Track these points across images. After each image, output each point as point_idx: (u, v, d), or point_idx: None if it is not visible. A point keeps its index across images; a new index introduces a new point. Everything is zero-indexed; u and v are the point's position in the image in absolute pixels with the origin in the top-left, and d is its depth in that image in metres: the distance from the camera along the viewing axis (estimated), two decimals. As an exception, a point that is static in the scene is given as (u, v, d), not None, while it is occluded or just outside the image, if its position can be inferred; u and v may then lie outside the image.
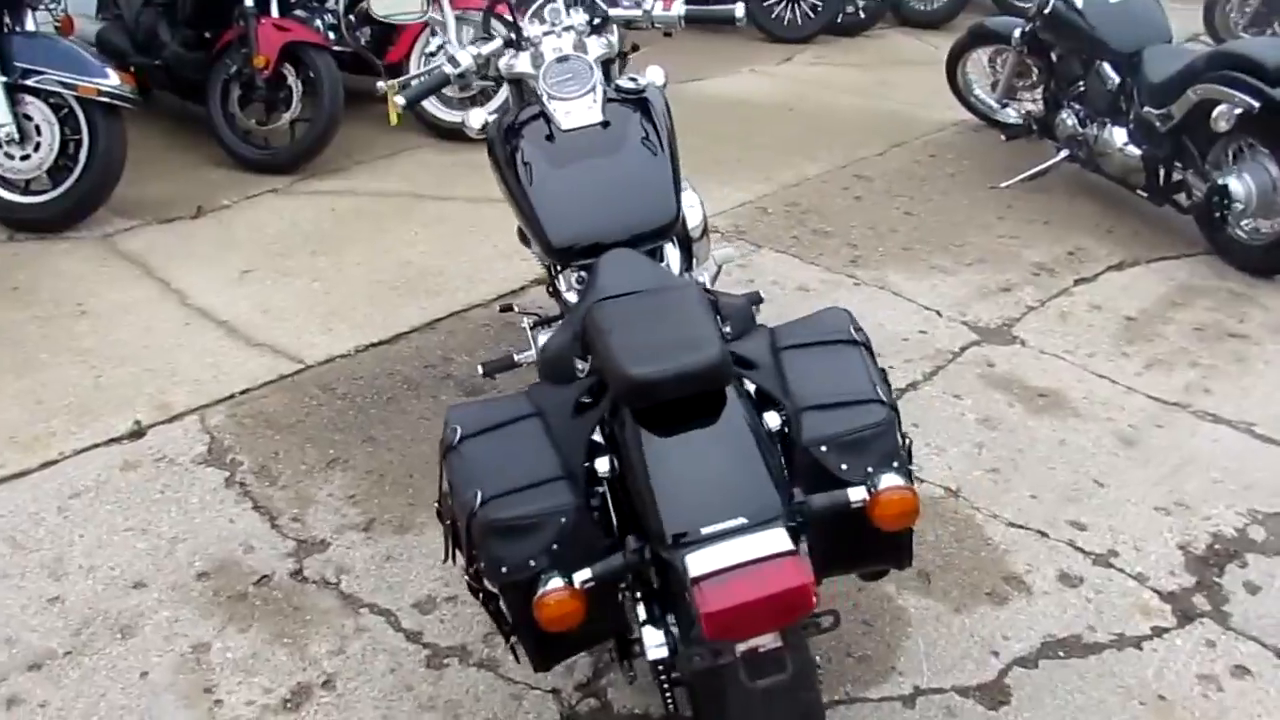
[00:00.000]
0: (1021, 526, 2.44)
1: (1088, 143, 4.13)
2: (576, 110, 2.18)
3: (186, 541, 2.30)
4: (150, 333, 3.13)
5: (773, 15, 6.72)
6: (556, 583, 1.40)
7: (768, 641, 1.32)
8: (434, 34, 4.66)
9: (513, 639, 1.55)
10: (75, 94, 3.54)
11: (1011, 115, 4.69)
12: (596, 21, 2.27)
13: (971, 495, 2.53)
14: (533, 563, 1.44)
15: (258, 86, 4.18)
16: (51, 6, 3.86)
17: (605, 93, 2.23)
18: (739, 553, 1.26)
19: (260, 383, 2.90)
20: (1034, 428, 2.81)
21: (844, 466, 1.52)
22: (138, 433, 2.67)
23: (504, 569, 1.45)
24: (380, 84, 2.26)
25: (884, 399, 1.58)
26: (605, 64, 2.46)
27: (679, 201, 2.13)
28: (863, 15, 6.91)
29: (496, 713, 1.91)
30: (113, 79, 3.55)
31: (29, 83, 3.55)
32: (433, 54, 4.70)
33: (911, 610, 2.18)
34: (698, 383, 1.46)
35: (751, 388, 1.64)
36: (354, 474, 2.53)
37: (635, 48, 2.53)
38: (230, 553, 2.28)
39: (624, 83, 2.28)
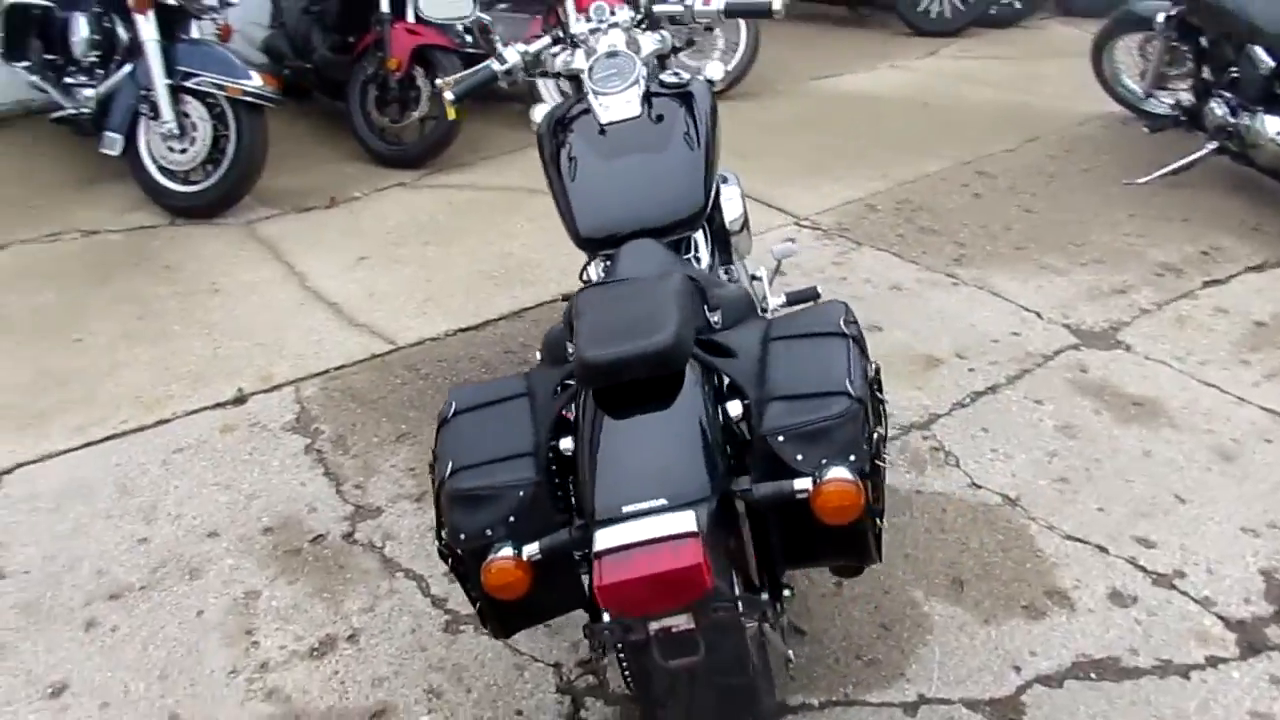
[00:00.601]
0: (1079, 540, 2.31)
1: (1238, 133, 3.81)
2: (615, 105, 2.24)
3: (261, 499, 2.52)
4: (268, 310, 3.42)
5: (919, 8, 6.51)
6: (505, 552, 1.47)
7: (680, 622, 1.34)
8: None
9: (478, 605, 1.63)
10: (225, 94, 3.90)
11: (1159, 105, 4.37)
12: (639, 17, 2.32)
13: (1030, 504, 2.41)
14: (489, 532, 1.51)
15: (391, 87, 4.45)
16: (215, 17, 4.25)
17: (648, 88, 2.27)
18: (640, 531, 1.29)
19: (354, 360, 3.11)
20: (1118, 437, 2.64)
21: (799, 457, 1.50)
22: (240, 399, 2.93)
23: (463, 536, 1.53)
24: (438, 81, 2.40)
25: (851, 392, 1.55)
26: (661, 59, 2.52)
27: (708, 194, 2.15)
28: (1018, 5, 6.58)
29: (498, 679, 1.99)
30: (255, 80, 3.89)
31: (188, 84, 3.94)
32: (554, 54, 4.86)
33: (936, 617, 2.11)
34: (647, 366, 1.49)
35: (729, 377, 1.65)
36: (419, 449, 2.68)
37: (691, 43, 2.56)
38: (295, 512, 2.47)
39: (668, 77, 2.32)
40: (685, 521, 1.29)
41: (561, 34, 2.37)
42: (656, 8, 2.37)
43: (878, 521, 1.60)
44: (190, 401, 2.92)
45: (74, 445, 2.73)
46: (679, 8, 2.36)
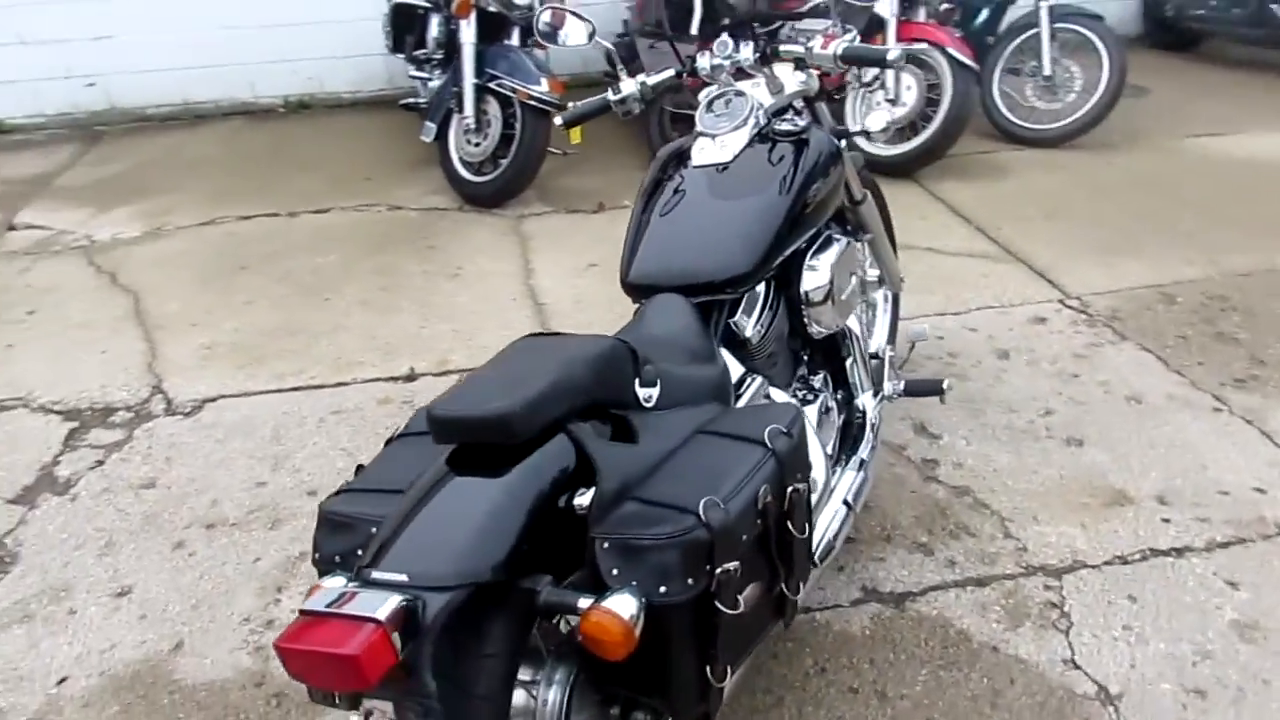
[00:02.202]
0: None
1: None
2: (710, 148, 2.11)
3: (367, 472, 2.72)
4: (484, 300, 3.64)
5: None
6: (330, 580, 1.45)
7: (381, 707, 1.24)
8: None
9: None
10: (516, 97, 4.21)
11: None
12: (756, 57, 2.13)
13: (1132, 711, 1.88)
14: (337, 559, 1.50)
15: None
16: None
17: (765, 131, 2.10)
18: (327, 602, 1.20)
19: (523, 361, 3.22)
20: (1321, 660, 1.96)
21: (614, 571, 1.31)
22: (410, 377, 3.17)
23: (317, 556, 1.54)
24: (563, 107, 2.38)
25: (701, 514, 1.32)
26: (809, 101, 2.30)
27: (762, 259, 1.93)
28: None
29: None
30: (543, 86, 4.15)
31: (490, 85, 4.31)
32: (867, 84, 4.61)
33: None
34: (482, 431, 1.38)
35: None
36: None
37: (841, 87, 2.30)
38: (384, 492, 2.63)
39: (783, 124, 2.12)
40: (375, 605, 1.18)
41: (683, 68, 2.26)
42: (782, 48, 2.17)
43: (711, 673, 1.36)
44: (372, 371, 3.21)
45: (267, 389, 3.13)
46: (800, 49, 2.14)
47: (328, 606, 1.21)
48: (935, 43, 4.55)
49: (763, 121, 2.14)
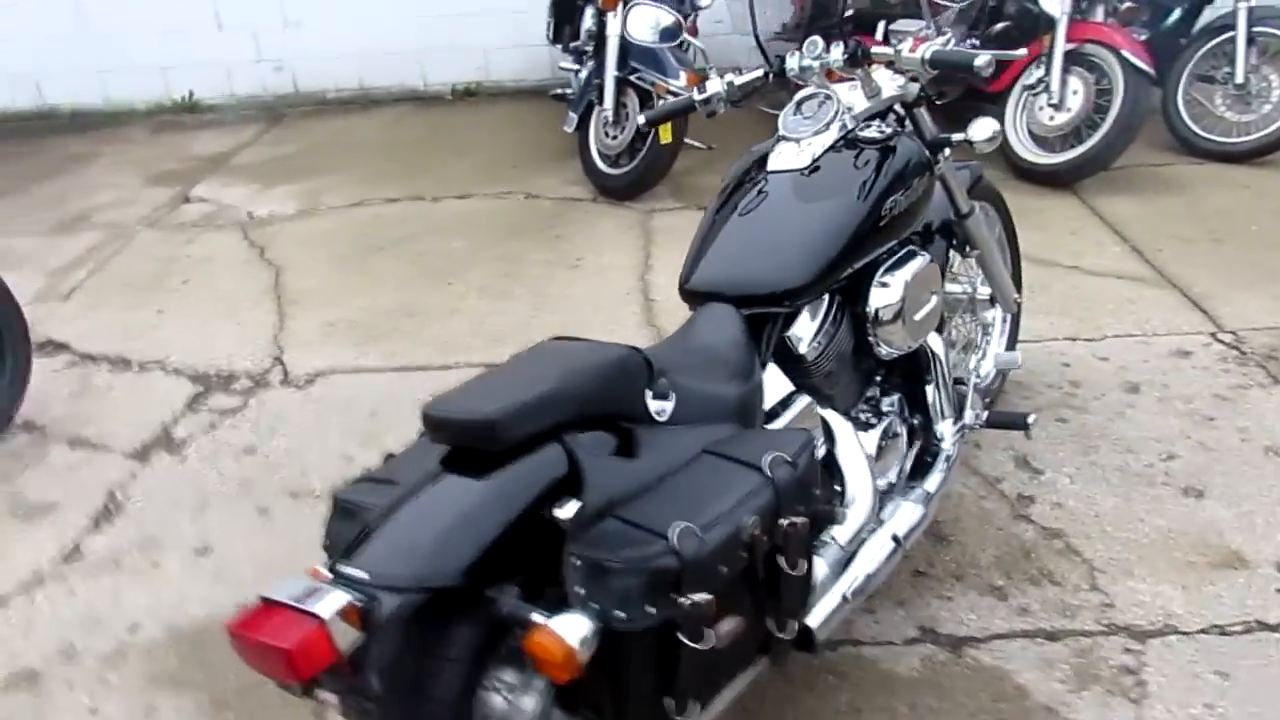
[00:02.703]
0: None
1: None
2: (787, 152, 2.04)
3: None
4: (599, 294, 3.65)
5: None
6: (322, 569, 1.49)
7: (327, 698, 1.25)
8: (1037, 66, 4.30)
9: None
10: (654, 90, 4.20)
11: None
12: (845, 58, 2.01)
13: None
14: (339, 545, 1.54)
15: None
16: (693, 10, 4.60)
17: (844, 137, 2.00)
18: (288, 593, 1.22)
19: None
20: None
21: (580, 590, 1.28)
22: (509, 367, 3.22)
23: (326, 541, 1.58)
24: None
25: (673, 542, 1.26)
26: (908, 107, 2.17)
27: (818, 273, 1.84)
28: None
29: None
30: (681, 81, 4.10)
31: (630, 78, 4.31)
32: (1030, 86, 4.33)
33: None
34: (464, 435, 1.38)
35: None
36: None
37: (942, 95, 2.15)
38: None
39: (868, 130, 2.01)
40: (321, 602, 1.20)
41: (771, 68, 2.17)
42: (874, 50, 2.05)
43: (675, 707, 1.30)
44: (476, 356, 3.28)
45: (377, 366, 3.26)
46: (890, 52, 2.01)
47: (285, 596, 1.23)
48: (1108, 44, 4.20)
49: (849, 126, 2.03)
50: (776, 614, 1.42)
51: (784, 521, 1.38)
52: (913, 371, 2.19)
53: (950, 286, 2.55)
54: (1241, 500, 2.37)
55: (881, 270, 1.99)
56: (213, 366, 3.29)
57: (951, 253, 2.44)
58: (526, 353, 1.58)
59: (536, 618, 1.24)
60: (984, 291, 2.59)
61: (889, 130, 2.04)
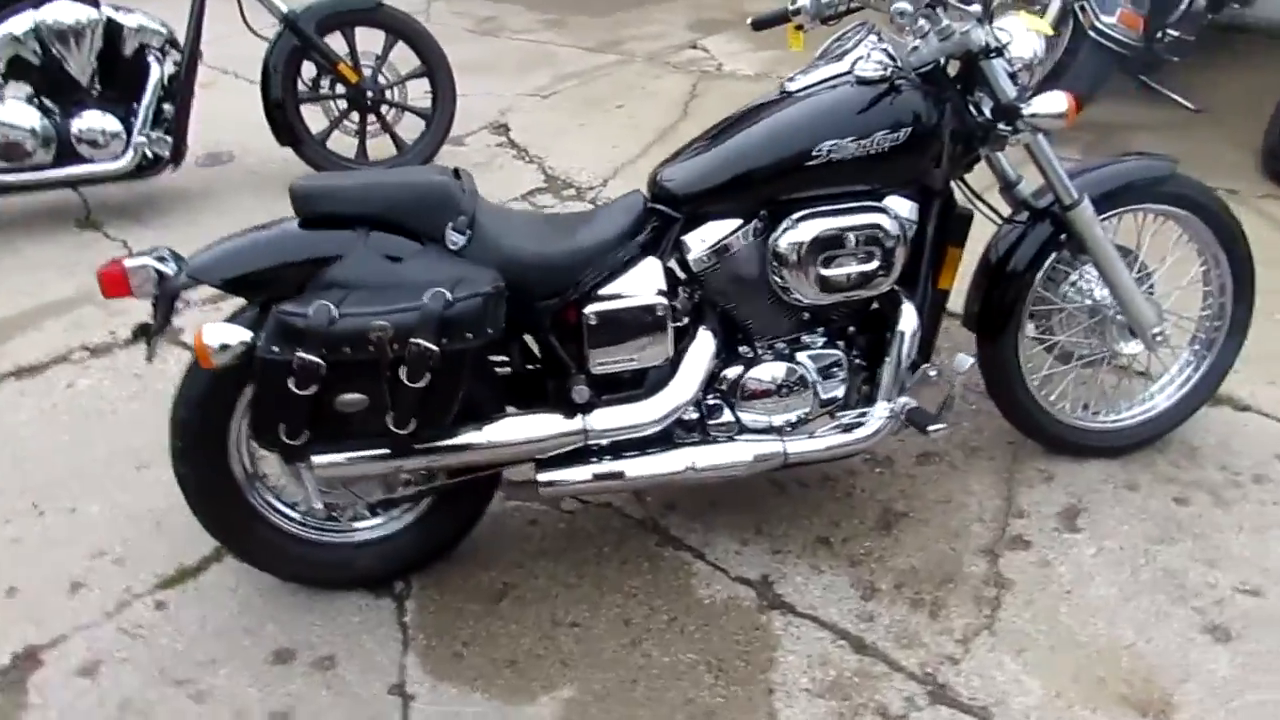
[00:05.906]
0: None
1: None
2: (800, 77, 2.14)
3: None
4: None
5: None
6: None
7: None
8: None
9: None
10: (1083, 19, 3.74)
11: None
12: None
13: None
14: None
15: None
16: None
17: (862, 75, 1.98)
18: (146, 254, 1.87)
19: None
20: None
21: (258, 322, 1.80)
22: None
23: None
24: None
25: (309, 313, 1.73)
26: (967, 61, 2.00)
27: (722, 186, 2.00)
28: None
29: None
30: (1113, 18, 3.64)
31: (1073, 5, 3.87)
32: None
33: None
34: (291, 201, 1.90)
35: None
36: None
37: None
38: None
39: (868, 69, 1.97)
40: (135, 260, 1.82)
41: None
42: None
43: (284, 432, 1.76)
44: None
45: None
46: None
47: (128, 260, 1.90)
48: None
49: (869, 65, 1.98)
50: (396, 413, 1.76)
51: (415, 341, 1.69)
52: (874, 344, 2.10)
53: (1066, 291, 2.25)
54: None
55: (806, 211, 1.96)
56: (565, 173, 4.07)
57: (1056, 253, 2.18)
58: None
59: (207, 325, 1.77)
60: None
61: (889, 70, 1.94)
